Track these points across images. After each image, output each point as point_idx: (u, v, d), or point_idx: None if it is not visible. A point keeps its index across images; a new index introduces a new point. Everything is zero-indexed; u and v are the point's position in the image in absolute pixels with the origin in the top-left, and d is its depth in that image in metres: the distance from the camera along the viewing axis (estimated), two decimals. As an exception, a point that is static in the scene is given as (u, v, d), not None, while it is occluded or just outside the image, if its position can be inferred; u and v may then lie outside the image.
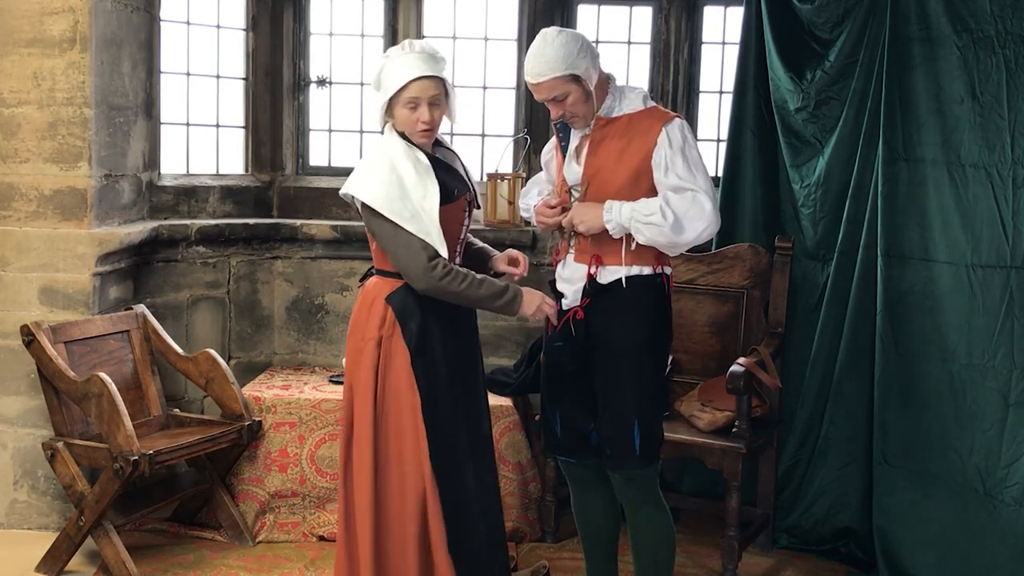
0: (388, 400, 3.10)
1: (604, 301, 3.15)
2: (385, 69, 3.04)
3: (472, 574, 3.14)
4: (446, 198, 3.05)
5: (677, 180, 3.03)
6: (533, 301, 3.12)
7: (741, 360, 3.95)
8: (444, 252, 2.99)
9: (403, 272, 3.02)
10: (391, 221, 2.96)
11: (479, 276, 3.05)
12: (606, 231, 3.09)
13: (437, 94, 3.02)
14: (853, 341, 4.12)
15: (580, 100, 3.07)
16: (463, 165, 3.27)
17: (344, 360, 3.36)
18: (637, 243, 3.08)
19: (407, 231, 2.96)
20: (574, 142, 3.20)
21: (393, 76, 3.01)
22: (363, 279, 3.26)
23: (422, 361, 3.09)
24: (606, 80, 3.15)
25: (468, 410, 3.20)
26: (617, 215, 3.04)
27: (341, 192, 3.10)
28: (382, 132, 3.12)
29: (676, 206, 3.00)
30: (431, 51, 3.04)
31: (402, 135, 3.07)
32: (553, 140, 3.36)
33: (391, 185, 2.97)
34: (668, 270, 3.20)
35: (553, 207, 3.22)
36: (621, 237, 3.09)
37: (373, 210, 2.98)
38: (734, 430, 3.92)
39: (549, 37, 3.05)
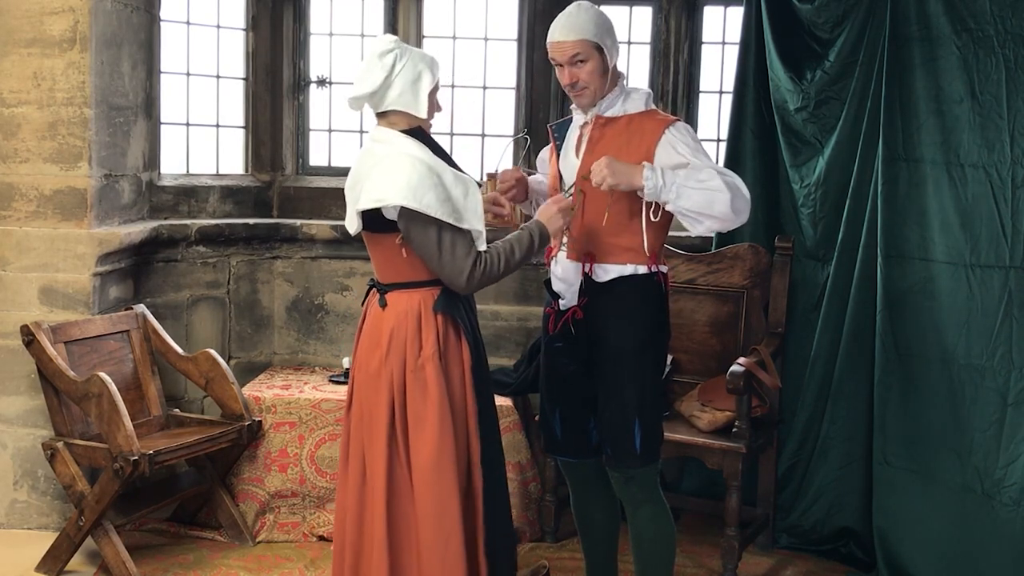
0: (455, 413, 2.99)
1: (602, 300, 3.15)
2: (413, 58, 2.94)
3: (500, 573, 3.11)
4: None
5: (712, 166, 3.03)
6: (552, 219, 3.03)
7: (741, 360, 3.95)
8: (483, 246, 2.95)
9: (446, 278, 2.91)
10: (441, 225, 2.85)
11: (504, 244, 2.96)
12: (600, 223, 3.08)
13: None
14: (853, 341, 4.12)
15: (596, 71, 3.08)
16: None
17: (352, 368, 3.13)
18: (649, 222, 3.06)
19: (454, 235, 2.86)
20: (573, 134, 3.22)
21: (430, 64, 2.97)
22: (366, 298, 3.12)
23: (480, 361, 3.06)
24: (618, 76, 3.17)
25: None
26: (659, 176, 2.94)
27: (367, 206, 2.89)
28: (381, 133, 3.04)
29: (727, 181, 2.97)
30: None
31: (407, 132, 2.98)
32: (551, 145, 3.37)
33: (437, 188, 2.86)
34: (664, 268, 3.20)
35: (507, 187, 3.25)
36: (618, 226, 3.08)
37: (415, 215, 2.84)
38: (734, 430, 3.92)
39: (584, 7, 3.11)
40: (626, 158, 3.05)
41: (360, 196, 2.93)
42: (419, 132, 3.01)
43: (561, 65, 3.11)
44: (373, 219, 2.93)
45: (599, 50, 3.07)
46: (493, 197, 3.26)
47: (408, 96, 2.95)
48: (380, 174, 2.90)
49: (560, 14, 3.12)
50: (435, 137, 3.11)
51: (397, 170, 2.87)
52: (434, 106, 3.03)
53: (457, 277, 2.89)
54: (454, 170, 2.96)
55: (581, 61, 3.07)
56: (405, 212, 2.85)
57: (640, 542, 3.28)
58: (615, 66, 3.14)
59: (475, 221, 2.92)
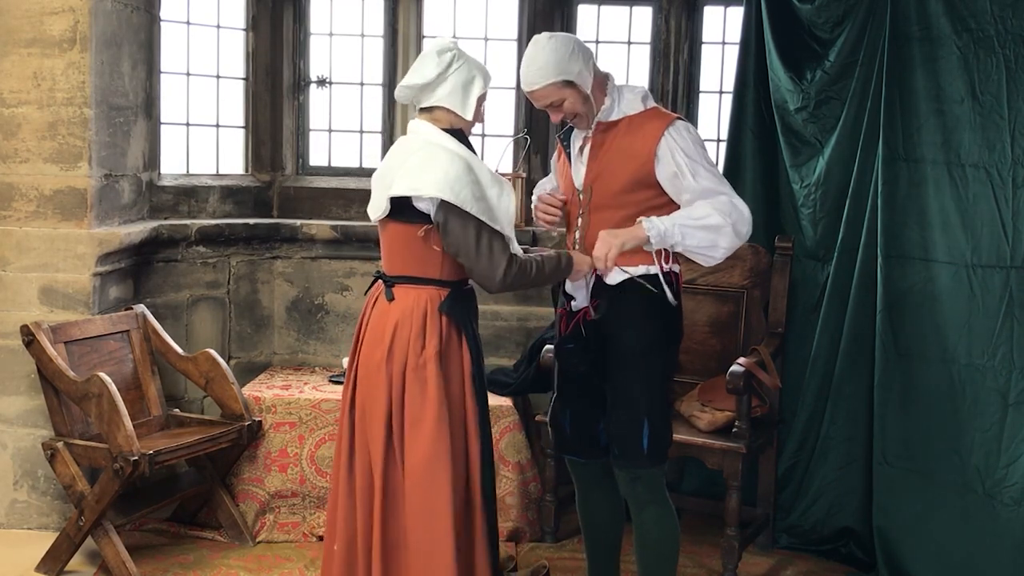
0: (453, 415, 3.00)
1: (612, 302, 3.14)
2: (469, 63, 2.99)
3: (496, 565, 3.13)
4: None
5: (709, 184, 3.01)
6: (582, 261, 3.09)
7: (741, 360, 3.95)
8: (518, 250, 2.98)
9: (480, 276, 2.93)
10: (480, 222, 2.87)
11: (536, 258, 3.00)
12: (608, 226, 3.07)
13: None
14: (853, 341, 4.12)
15: (578, 103, 3.06)
16: None
17: (354, 361, 3.12)
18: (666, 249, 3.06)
19: (491, 234, 2.89)
20: (576, 143, 3.20)
21: (484, 73, 3.02)
22: (370, 289, 3.12)
23: (479, 366, 3.07)
24: (604, 80, 3.14)
25: None
26: (658, 223, 2.95)
27: (402, 193, 2.89)
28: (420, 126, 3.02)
29: (722, 208, 2.97)
30: None
31: (448, 131, 2.99)
32: (559, 152, 3.36)
33: (474, 185, 2.88)
34: (677, 268, 3.19)
35: (557, 202, 3.22)
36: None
37: (454, 209, 2.86)
38: (734, 430, 3.92)
39: (540, 43, 3.05)
40: (628, 160, 3.06)
41: (393, 183, 2.92)
42: (459, 134, 3.02)
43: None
44: (401, 207, 2.93)
45: (569, 84, 3.03)
46: (550, 199, 3.26)
47: (457, 96, 2.98)
48: (417, 163, 2.91)
49: (524, 55, 3.08)
50: None
51: (435, 162, 2.89)
52: (479, 114, 3.06)
53: (492, 273, 2.90)
54: (491, 171, 2.98)
55: (557, 104, 3.06)
56: (444, 205, 2.87)
57: (644, 543, 3.27)
58: (597, 73, 3.10)
59: (506, 226, 2.94)
